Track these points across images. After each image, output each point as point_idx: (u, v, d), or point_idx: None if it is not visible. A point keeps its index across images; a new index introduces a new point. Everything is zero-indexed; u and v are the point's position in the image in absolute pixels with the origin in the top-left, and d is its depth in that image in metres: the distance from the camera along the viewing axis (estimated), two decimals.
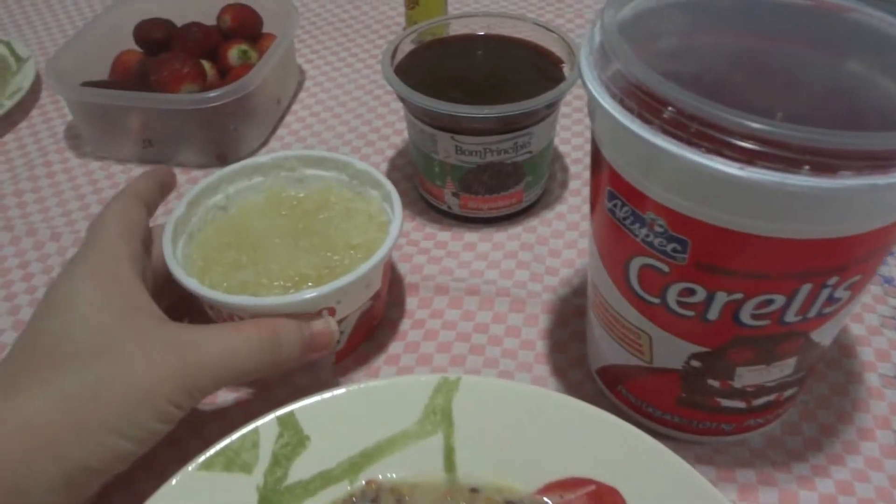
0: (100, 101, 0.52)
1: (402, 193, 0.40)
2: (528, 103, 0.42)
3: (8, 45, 0.66)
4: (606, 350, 0.36)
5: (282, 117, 0.60)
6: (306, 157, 0.42)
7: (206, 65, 0.57)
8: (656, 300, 0.30)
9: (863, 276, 0.28)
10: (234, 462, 0.29)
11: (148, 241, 0.36)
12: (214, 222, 0.39)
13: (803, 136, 0.22)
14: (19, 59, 0.64)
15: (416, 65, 0.48)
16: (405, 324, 0.43)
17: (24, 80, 0.61)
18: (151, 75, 0.54)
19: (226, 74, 0.58)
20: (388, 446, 0.31)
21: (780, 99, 0.28)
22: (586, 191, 0.51)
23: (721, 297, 0.28)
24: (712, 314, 0.29)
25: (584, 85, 0.28)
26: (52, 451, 0.27)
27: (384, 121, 0.59)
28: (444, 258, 0.47)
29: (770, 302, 0.28)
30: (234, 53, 0.59)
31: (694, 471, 0.28)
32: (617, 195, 0.29)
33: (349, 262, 0.37)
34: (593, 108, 0.29)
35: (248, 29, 0.62)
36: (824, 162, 0.23)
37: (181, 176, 0.54)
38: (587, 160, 0.54)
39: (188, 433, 0.36)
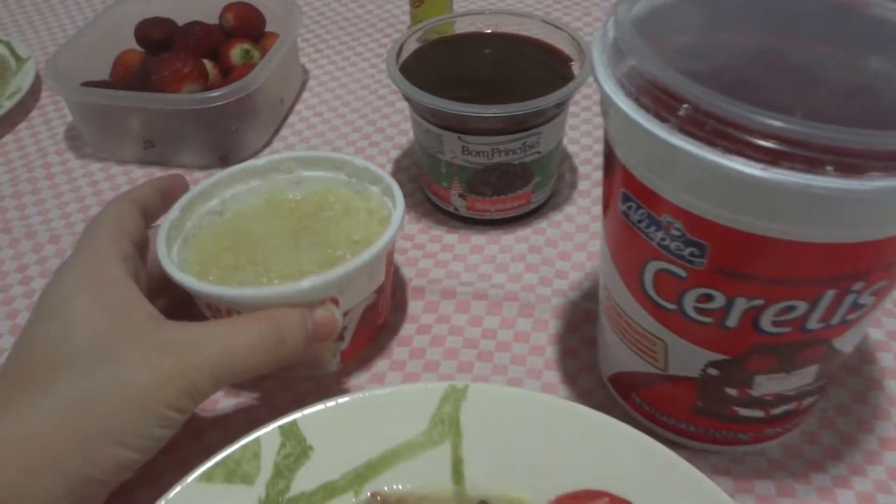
0: (100, 102, 0.51)
1: (407, 195, 0.39)
2: (537, 102, 0.41)
3: (8, 45, 0.65)
4: (619, 357, 0.35)
5: (285, 118, 0.59)
6: (303, 159, 0.41)
7: (208, 64, 0.56)
8: (672, 306, 0.29)
9: (889, 280, 0.27)
10: (235, 473, 0.28)
11: (143, 244, 0.35)
12: (210, 227, 0.38)
13: (830, 136, 0.22)
14: (19, 60, 0.64)
15: (422, 64, 0.47)
16: (411, 328, 0.42)
17: (23, 81, 0.61)
18: (152, 75, 0.53)
19: (228, 74, 0.58)
20: (394, 457, 0.30)
21: (799, 97, 0.27)
22: (596, 192, 0.50)
23: (741, 304, 0.27)
24: (731, 321, 0.28)
25: (598, 83, 0.27)
26: (52, 464, 0.27)
27: (389, 121, 0.58)
28: (450, 261, 0.46)
29: (792, 308, 0.27)
30: (236, 53, 0.59)
31: (710, 482, 0.27)
32: (631, 197, 0.28)
33: (351, 257, 0.36)
34: (606, 106, 0.28)
35: (251, 28, 0.61)
36: (851, 162, 0.22)
37: None
38: (597, 160, 0.53)
39: (188, 440, 0.36)
